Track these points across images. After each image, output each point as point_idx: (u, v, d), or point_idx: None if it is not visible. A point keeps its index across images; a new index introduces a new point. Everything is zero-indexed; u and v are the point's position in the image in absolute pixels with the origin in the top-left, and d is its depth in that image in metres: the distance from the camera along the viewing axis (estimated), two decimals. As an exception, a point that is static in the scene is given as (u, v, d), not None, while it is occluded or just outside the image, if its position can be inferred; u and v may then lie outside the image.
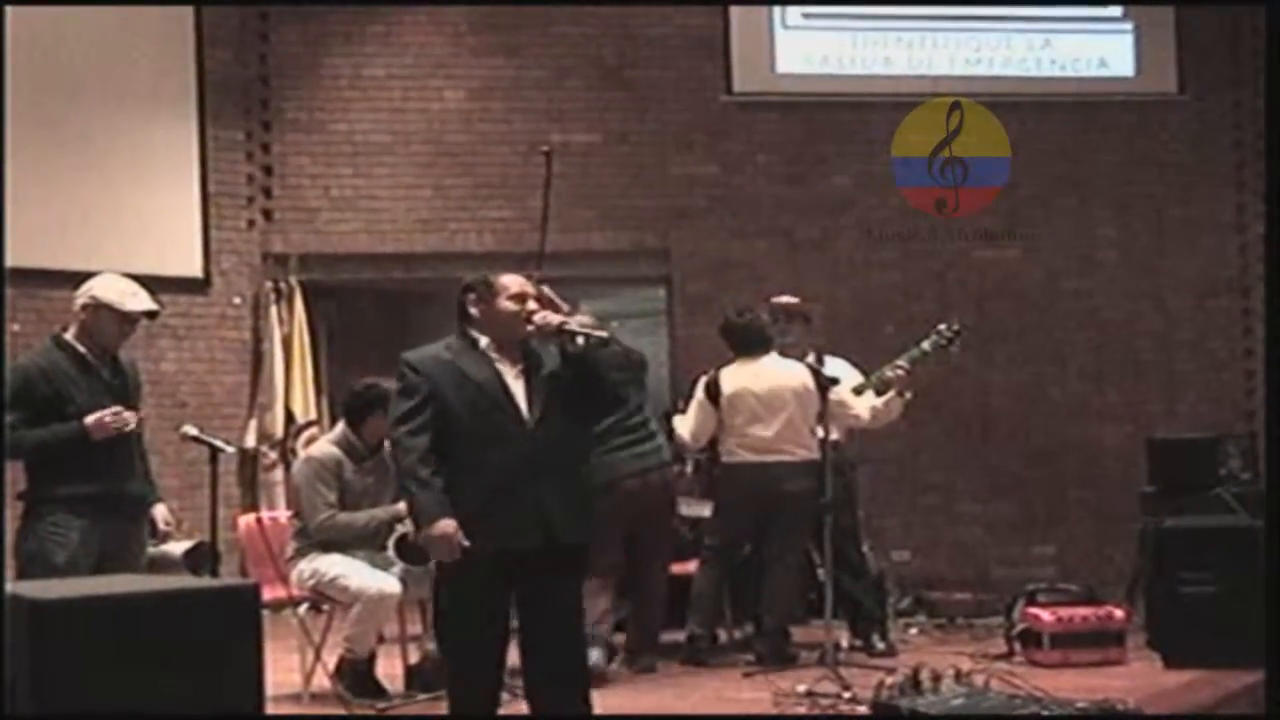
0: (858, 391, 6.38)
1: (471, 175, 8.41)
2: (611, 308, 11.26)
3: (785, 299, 6.60)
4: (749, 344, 6.20)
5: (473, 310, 4.27)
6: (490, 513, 4.08)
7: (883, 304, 8.47)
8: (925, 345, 6.45)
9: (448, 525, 4.05)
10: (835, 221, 8.54)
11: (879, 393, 6.41)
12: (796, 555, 6.21)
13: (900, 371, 6.32)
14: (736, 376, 6.17)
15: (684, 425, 6.31)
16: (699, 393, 6.24)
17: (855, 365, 6.56)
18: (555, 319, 4.17)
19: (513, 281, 4.27)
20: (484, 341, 4.25)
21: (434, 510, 4.08)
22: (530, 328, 4.18)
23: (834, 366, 6.35)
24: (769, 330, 6.25)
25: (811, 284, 8.08)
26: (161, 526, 4.92)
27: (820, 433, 6.01)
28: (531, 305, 4.22)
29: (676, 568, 6.49)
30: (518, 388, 4.18)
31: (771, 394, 6.10)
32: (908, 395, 6.35)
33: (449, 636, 4.35)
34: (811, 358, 6.40)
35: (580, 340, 4.18)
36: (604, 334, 4.32)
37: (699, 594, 6.21)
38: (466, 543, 4.05)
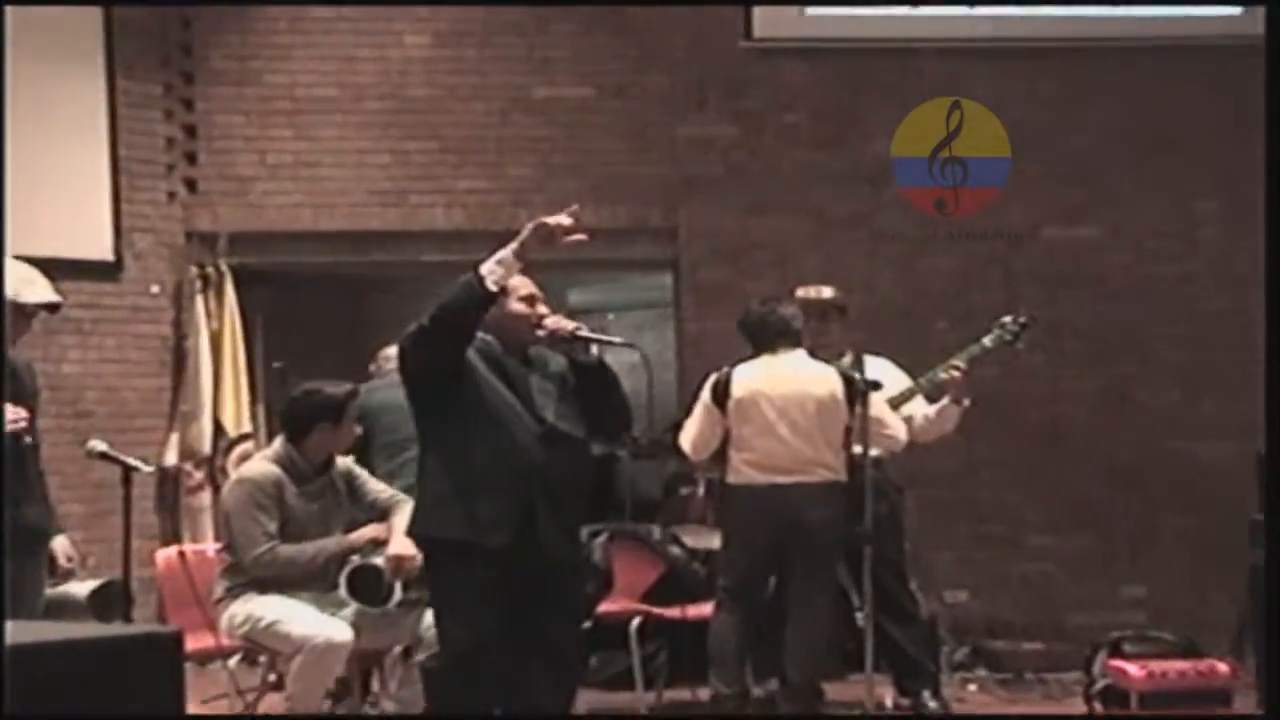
0: (905, 398, 6.38)
1: (438, 138, 8.40)
2: (607, 297, 11.29)
3: (815, 289, 6.60)
4: (768, 338, 6.19)
5: None
6: (499, 511, 4.50)
7: (934, 293, 8.46)
8: (986, 341, 6.45)
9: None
10: (877, 194, 8.52)
11: (931, 399, 6.40)
12: (825, 596, 6.19)
13: (956, 373, 6.32)
14: (750, 377, 6.15)
15: (685, 432, 6.31)
16: (705, 393, 6.24)
17: (901, 367, 6.55)
18: (569, 325, 4.55)
19: (522, 282, 4.62)
20: (490, 340, 4.60)
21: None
22: (541, 333, 4.56)
23: (876, 368, 6.34)
24: (795, 323, 6.23)
25: (848, 270, 8.07)
26: (62, 563, 4.92)
27: (856, 449, 6.00)
28: (541, 309, 4.61)
29: (673, 612, 6.53)
30: (533, 391, 4.61)
31: (790, 400, 6.07)
32: (965, 402, 6.35)
33: (447, 651, 4.65)
34: (849, 359, 6.40)
35: (594, 349, 4.58)
36: (621, 340, 4.74)
37: (716, 645, 6.19)
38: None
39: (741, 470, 6.14)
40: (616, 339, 4.81)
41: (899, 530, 6.55)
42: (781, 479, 6.06)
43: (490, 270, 4.38)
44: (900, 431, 6.20)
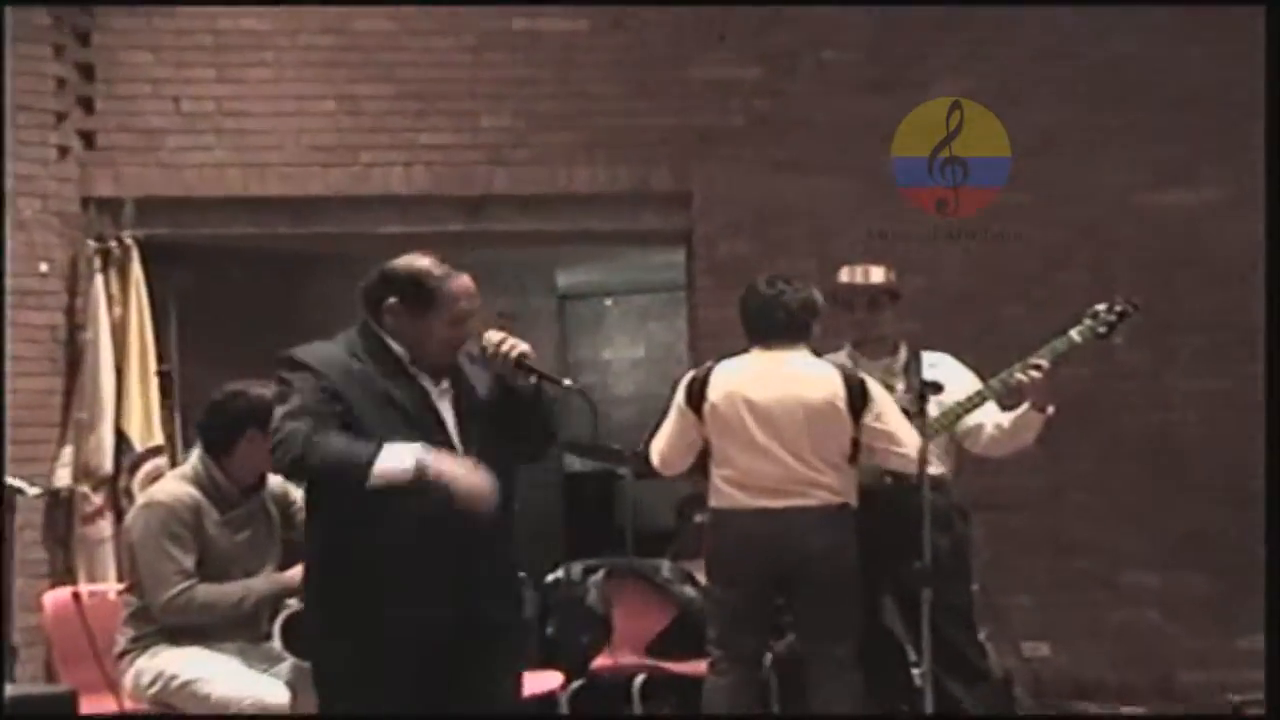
0: (972, 404, 6.37)
1: (394, 81, 8.42)
2: (605, 279, 11.29)
3: (861, 271, 6.60)
4: (766, 329, 6.18)
5: (389, 319, 4.61)
6: (406, 575, 4.45)
7: (1008, 274, 8.47)
8: (1074, 334, 6.44)
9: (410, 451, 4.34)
10: (938, 150, 8.56)
11: (1005, 405, 6.40)
12: (847, 647, 6.15)
13: (1036, 374, 6.30)
14: (733, 376, 6.15)
15: (655, 441, 6.33)
16: (678, 394, 6.25)
17: (968, 365, 6.55)
18: (517, 348, 4.61)
19: (462, 290, 4.61)
20: (398, 349, 4.59)
21: (365, 447, 4.35)
22: (487, 350, 4.61)
23: (936, 367, 6.34)
24: (805, 314, 6.22)
25: (902, 245, 8.06)
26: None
27: (896, 468, 6.02)
28: (469, 327, 4.64)
29: (685, 667, 6.52)
30: (448, 418, 4.62)
31: (775, 407, 6.05)
32: (1048, 409, 6.34)
33: None
34: (903, 355, 6.40)
35: (533, 379, 4.64)
36: (569, 382, 4.83)
37: (708, 713, 6.18)
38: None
39: (724, 491, 6.13)
40: (564, 380, 4.85)
41: (965, 567, 6.54)
42: (771, 503, 6.03)
43: (382, 474, 4.31)
44: (915, 450, 6.19)
